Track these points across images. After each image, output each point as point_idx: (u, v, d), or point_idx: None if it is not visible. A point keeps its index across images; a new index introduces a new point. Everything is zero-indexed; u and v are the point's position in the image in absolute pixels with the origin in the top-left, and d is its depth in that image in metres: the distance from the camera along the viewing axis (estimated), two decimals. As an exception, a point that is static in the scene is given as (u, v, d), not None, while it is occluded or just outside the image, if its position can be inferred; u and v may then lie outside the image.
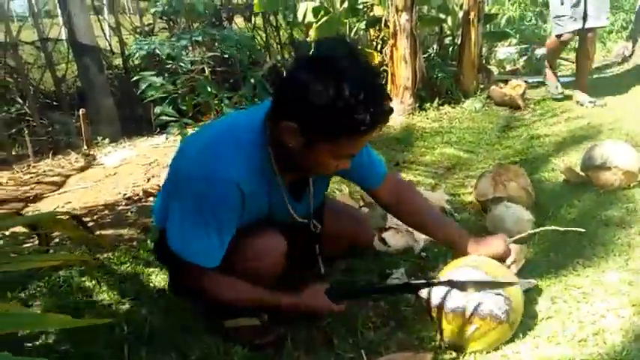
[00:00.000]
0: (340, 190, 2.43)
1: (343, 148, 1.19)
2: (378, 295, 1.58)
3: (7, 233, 2.31)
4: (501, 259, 1.47)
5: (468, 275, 1.32)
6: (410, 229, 1.96)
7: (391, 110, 1.19)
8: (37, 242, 1.85)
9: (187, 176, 1.24)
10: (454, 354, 1.33)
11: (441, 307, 1.31)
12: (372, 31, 4.91)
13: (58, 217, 1.48)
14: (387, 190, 1.52)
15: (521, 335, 1.38)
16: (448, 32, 5.18)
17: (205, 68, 3.60)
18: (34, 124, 4.24)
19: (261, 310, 1.41)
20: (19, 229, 2.25)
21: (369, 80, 1.14)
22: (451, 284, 1.31)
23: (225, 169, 1.20)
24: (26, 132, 4.08)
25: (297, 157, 1.23)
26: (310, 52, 1.25)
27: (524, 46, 5.96)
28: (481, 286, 1.28)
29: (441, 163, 2.96)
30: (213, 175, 1.20)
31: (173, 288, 1.53)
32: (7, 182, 3.33)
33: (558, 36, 3.44)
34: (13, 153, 4.02)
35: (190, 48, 3.63)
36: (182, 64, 3.54)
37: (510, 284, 1.31)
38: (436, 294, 1.33)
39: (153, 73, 3.56)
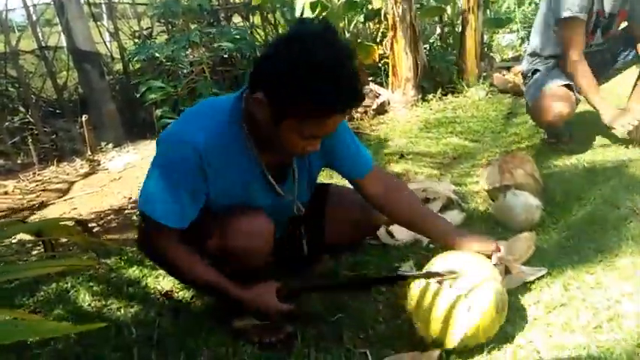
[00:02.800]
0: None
1: (309, 127, 1.17)
2: (331, 292, 1.51)
3: (13, 241, 2.32)
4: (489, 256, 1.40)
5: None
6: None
7: (362, 96, 1.18)
8: (42, 249, 1.85)
9: (158, 141, 1.31)
10: (462, 350, 1.30)
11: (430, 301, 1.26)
12: (371, 24, 4.87)
13: (62, 223, 1.47)
14: (374, 182, 1.48)
15: (534, 324, 1.36)
16: (448, 21, 5.13)
17: (205, 68, 3.58)
18: (38, 132, 4.24)
19: (207, 294, 1.40)
20: (26, 237, 2.26)
21: (338, 62, 1.12)
22: (399, 278, 1.27)
23: (185, 133, 1.25)
24: (30, 140, 4.08)
25: (267, 133, 1.22)
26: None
27: (525, 31, 5.88)
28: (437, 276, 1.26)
29: (446, 154, 2.93)
30: (174, 138, 1.28)
31: (138, 243, 1.48)
32: (13, 191, 3.34)
33: None
34: (19, 162, 4.03)
35: (189, 49, 3.62)
36: (181, 66, 3.53)
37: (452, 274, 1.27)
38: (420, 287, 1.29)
39: (152, 76, 3.56)
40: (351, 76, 1.13)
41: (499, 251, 1.40)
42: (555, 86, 2.46)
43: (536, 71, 2.64)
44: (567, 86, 2.46)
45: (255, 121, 1.23)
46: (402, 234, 1.89)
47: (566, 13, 2.39)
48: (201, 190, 1.28)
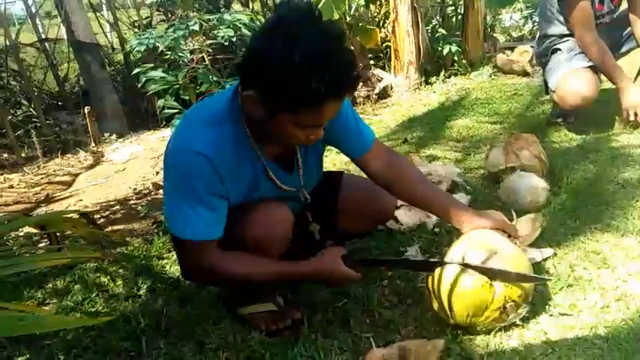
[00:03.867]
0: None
1: (306, 119, 1.12)
2: (393, 268, 1.52)
3: (20, 235, 2.34)
4: (504, 232, 1.37)
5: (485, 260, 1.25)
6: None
7: (354, 79, 1.12)
8: (48, 242, 1.85)
9: (165, 154, 1.26)
10: (469, 334, 1.30)
11: (453, 286, 1.24)
12: (372, 7, 4.82)
13: (67, 215, 1.48)
14: (375, 159, 1.44)
15: (541, 305, 1.36)
16: (450, 2, 5.06)
17: (205, 57, 3.56)
18: (41, 125, 4.25)
19: (276, 281, 1.35)
20: (32, 230, 2.27)
21: (326, 46, 1.06)
22: (482, 270, 1.22)
23: (191, 142, 1.19)
24: (34, 133, 4.09)
25: (265, 128, 1.19)
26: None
27: (529, 11, 5.80)
28: (509, 277, 1.22)
29: (450, 137, 2.91)
30: (182, 148, 1.21)
31: (183, 272, 1.42)
32: (18, 184, 3.36)
33: None
34: (23, 155, 4.05)
35: (189, 37, 3.59)
36: (181, 55, 3.50)
37: (538, 280, 1.27)
38: (449, 273, 1.26)
39: (152, 66, 3.53)
40: (340, 60, 1.08)
41: (509, 229, 1.38)
42: (580, 68, 2.43)
43: (555, 50, 2.59)
44: (591, 68, 2.43)
45: (252, 118, 1.20)
46: (406, 218, 1.89)
47: None
48: (224, 194, 1.24)
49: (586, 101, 2.40)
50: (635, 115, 2.38)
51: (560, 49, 2.56)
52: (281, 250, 1.34)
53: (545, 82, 2.68)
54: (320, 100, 1.09)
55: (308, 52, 1.03)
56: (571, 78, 2.41)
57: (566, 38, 2.55)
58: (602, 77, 2.53)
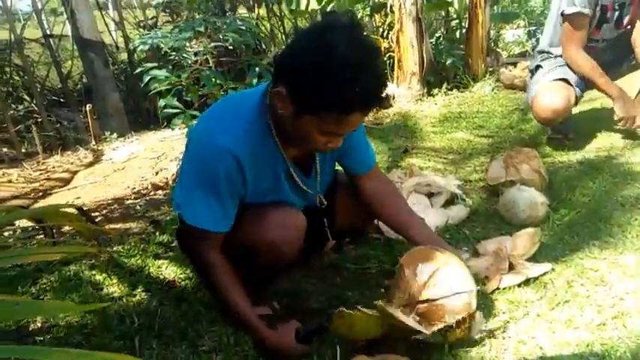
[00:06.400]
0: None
1: (329, 125, 1.16)
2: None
3: (17, 229, 2.32)
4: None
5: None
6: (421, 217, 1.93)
7: (384, 96, 1.17)
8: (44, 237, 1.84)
9: (190, 139, 1.31)
10: (464, 347, 1.30)
11: None
12: (377, 17, 4.84)
13: (64, 210, 1.47)
14: (371, 179, 1.53)
15: (537, 320, 1.35)
16: (455, 16, 5.09)
17: (209, 59, 3.57)
18: (42, 121, 4.24)
19: (228, 314, 1.40)
20: (28, 224, 2.26)
21: (363, 60, 1.09)
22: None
23: (218, 135, 1.23)
24: (34, 129, 4.09)
25: (289, 127, 1.22)
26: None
27: (533, 28, 5.84)
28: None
29: (450, 149, 2.91)
30: (207, 140, 1.24)
31: (180, 244, 1.49)
32: (17, 179, 3.35)
33: None
34: (23, 150, 4.04)
35: (194, 40, 3.60)
36: (185, 56, 3.51)
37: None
38: None
39: (156, 65, 3.54)
40: (374, 76, 1.11)
41: None
42: (551, 81, 2.43)
43: (538, 67, 2.61)
44: (564, 81, 2.43)
45: (278, 116, 1.22)
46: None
47: (570, 9, 2.35)
48: (241, 193, 1.30)
49: (557, 114, 2.39)
50: (633, 123, 2.38)
51: (541, 67, 2.57)
52: (292, 255, 1.37)
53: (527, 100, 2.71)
54: (348, 110, 1.12)
55: (345, 62, 1.07)
56: (543, 92, 2.42)
57: (559, 58, 2.52)
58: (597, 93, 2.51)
